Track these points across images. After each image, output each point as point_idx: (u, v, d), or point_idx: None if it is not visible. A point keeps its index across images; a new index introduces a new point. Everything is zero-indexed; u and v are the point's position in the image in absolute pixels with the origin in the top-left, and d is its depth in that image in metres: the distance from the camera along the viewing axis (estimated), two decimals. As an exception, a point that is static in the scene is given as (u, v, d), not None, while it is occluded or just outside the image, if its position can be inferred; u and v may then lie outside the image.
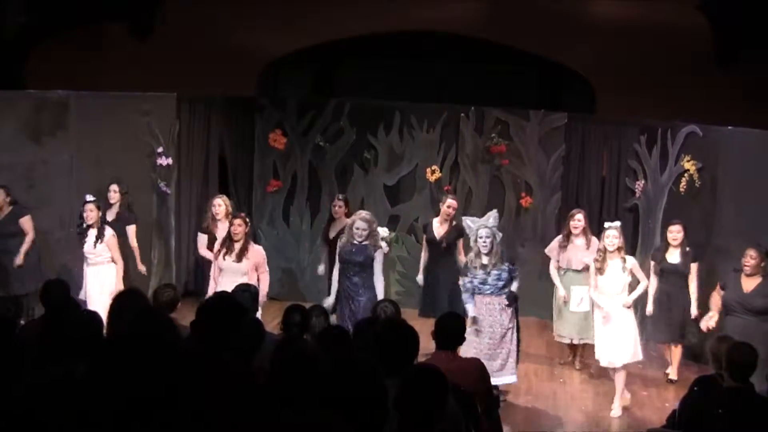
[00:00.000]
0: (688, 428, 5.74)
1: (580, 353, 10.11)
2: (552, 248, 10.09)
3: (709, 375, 6.22)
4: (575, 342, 9.99)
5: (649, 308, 9.49)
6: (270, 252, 12.51)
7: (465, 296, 8.75)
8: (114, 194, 10.42)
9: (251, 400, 4.14)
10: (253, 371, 4.75)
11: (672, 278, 9.63)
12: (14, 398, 3.86)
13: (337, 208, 10.66)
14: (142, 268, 10.42)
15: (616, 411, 8.86)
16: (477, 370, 6.02)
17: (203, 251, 10.16)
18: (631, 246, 10.43)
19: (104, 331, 5.14)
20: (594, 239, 9.80)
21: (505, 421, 6.80)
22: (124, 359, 3.98)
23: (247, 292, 7.11)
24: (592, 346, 9.36)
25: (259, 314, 7.64)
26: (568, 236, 9.90)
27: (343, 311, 9.00)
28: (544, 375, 9.96)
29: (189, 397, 3.98)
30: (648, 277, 9.49)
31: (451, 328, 5.98)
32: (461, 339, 6.03)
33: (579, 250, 9.79)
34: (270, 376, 4.36)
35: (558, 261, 9.95)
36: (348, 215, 10.54)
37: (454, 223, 10.06)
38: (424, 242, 10.41)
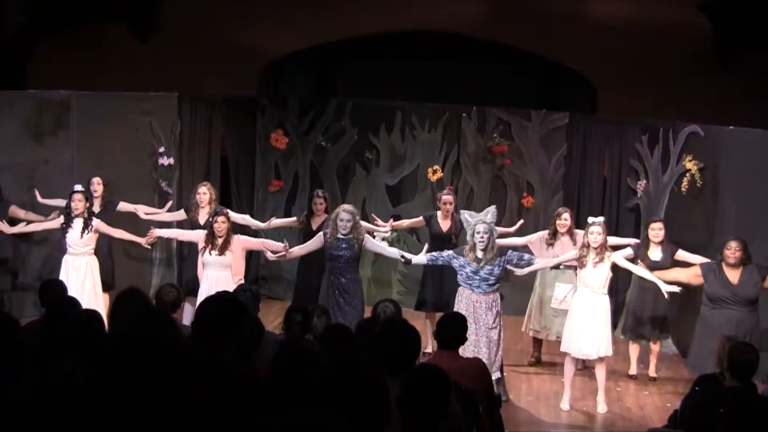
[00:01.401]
0: (689, 428, 5.74)
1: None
2: (533, 242, 9.97)
3: (711, 374, 6.22)
4: (548, 338, 9.99)
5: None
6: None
7: (441, 257, 8.79)
8: (98, 186, 10.32)
9: (252, 401, 4.13)
10: (253, 371, 4.74)
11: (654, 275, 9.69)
12: (16, 398, 3.86)
13: (318, 204, 10.64)
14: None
15: (601, 407, 8.88)
16: (479, 369, 6.03)
17: (174, 215, 10.52)
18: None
19: (104, 330, 5.14)
20: (580, 238, 9.78)
21: (507, 421, 6.78)
22: (125, 359, 3.98)
23: (248, 292, 7.11)
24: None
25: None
26: (554, 235, 9.87)
27: (333, 311, 8.95)
28: (545, 375, 9.96)
29: (190, 397, 3.98)
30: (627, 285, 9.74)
31: (453, 328, 5.99)
32: (463, 339, 6.03)
33: (565, 249, 9.77)
34: (271, 377, 4.36)
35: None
36: (327, 211, 10.60)
37: (456, 217, 10.05)
38: (417, 223, 10.57)
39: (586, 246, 8.83)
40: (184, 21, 13.27)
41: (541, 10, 12.99)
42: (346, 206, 9.26)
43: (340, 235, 8.94)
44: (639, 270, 9.09)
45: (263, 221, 12.54)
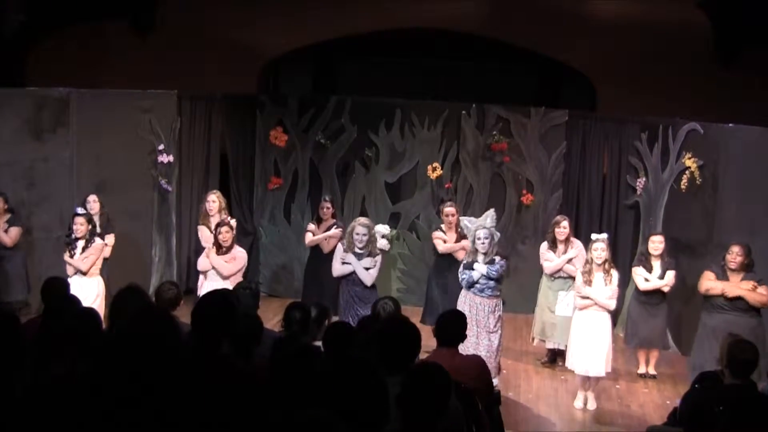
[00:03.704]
0: (688, 425, 5.75)
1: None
2: (544, 254, 9.98)
3: (711, 372, 6.23)
4: (559, 347, 9.89)
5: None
6: (271, 249, 12.62)
7: (464, 274, 8.73)
8: (94, 204, 10.23)
9: (251, 399, 4.13)
10: (253, 370, 4.74)
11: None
12: (15, 398, 3.86)
13: (325, 209, 10.66)
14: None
15: (591, 403, 8.90)
16: (478, 367, 6.03)
17: (206, 244, 10.22)
18: (632, 243, 10.44)
19: (102, 328, 5.15)
20: (576, 244, 9.80)
21: (506, 419, 6.79)
22: (124, 358, 3.98)
23: (248, 289, 7.12)
24: None
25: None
26: (553, 242, 9.87)
27: (346, 319, 8.96)
28: (545, 373, 9.95)
29: (189, 395, 3.98)
30: (626, 284, 9.68)
31: (452, 325, 5.99)
32: (462, 336, 6.04)
33: (561, 257, 9.80)
34: (270, 375, 4.37)
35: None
36: (334, 216, 10.58)
37: (459, 227, 9.96)
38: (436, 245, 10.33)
39: (590, 263, 8.86)
40: (183, 19, 13.26)
41: (540, 8, 12.98)
42: (362, 219, 9.27)
43: (357, 250, 8.96)
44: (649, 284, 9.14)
45: (262, 218, 12.64)
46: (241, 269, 9.36)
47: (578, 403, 8.94)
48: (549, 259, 9.83)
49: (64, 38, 13.22)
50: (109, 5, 13.18)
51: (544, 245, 9.99)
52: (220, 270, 9.18)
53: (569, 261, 9.70)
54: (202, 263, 9.39)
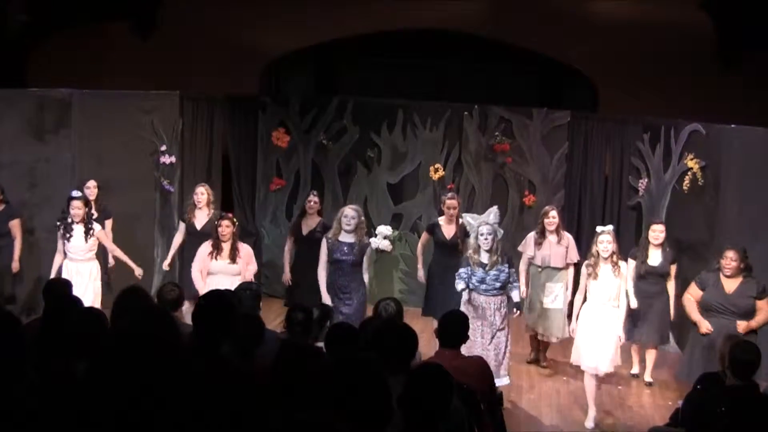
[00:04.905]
0: (690, 426, 5.74)
1: (543, 349, 10.10)
2: (527, 244, 9.96)
3: (713, 373, 6.22)
4: (537, 335, 9.96)
5: (634, 303, 9.07)
6: (273, 250, 12.60)
7: (457, 280, 8.55)
8: (94, 190, 10.27)
9: (251, 400, 4.13)
10: (254, 371, 4.74)
11: (652, 279, 9.56)
12: (16, 397, 3.86)
13: (312, 203, 10.59)
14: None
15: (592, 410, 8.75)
16: (480, 368, 6.03)
17: (177, 239, 10.26)
18: (634, 244, 10.41)
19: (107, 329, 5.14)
20: (566, 235, 9.79)
21: (508, 419, 6.78)
22: (125, 358, 3.98)
23: (249, 290, 7.11)
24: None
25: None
26: (542, 233, 9.83)
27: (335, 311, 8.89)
28: (546, 374, 9.95)
29: (190, 396, 3.98)
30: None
31: (455, 326, 5.99)
32: (465, 337, 6.03)
33: (552, 247, 9.76)
34: (272, 376, 4.37)
35: (532, 257, 9.87)
36: (320, 213, 10.53)
37: (460, 221, 9.87)
38: (426, 240, 10.32)
39: (596, 256, 8.62)
40: (185, 20, 13.28)
41: (542, 9, 12.98)
42: (352, 205, 9.25)
43: (342, 237, 8.89)
44: (631, 297, 9.04)
45: (264, 219, 12.63)
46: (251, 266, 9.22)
47: (589, 424, 8.59)
48: (525, 253, 9.91)
49: (65, 39, 13.24)
50: (110, 6, 13.21)
51: (531, 235, 9.94)
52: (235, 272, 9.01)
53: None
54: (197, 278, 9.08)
